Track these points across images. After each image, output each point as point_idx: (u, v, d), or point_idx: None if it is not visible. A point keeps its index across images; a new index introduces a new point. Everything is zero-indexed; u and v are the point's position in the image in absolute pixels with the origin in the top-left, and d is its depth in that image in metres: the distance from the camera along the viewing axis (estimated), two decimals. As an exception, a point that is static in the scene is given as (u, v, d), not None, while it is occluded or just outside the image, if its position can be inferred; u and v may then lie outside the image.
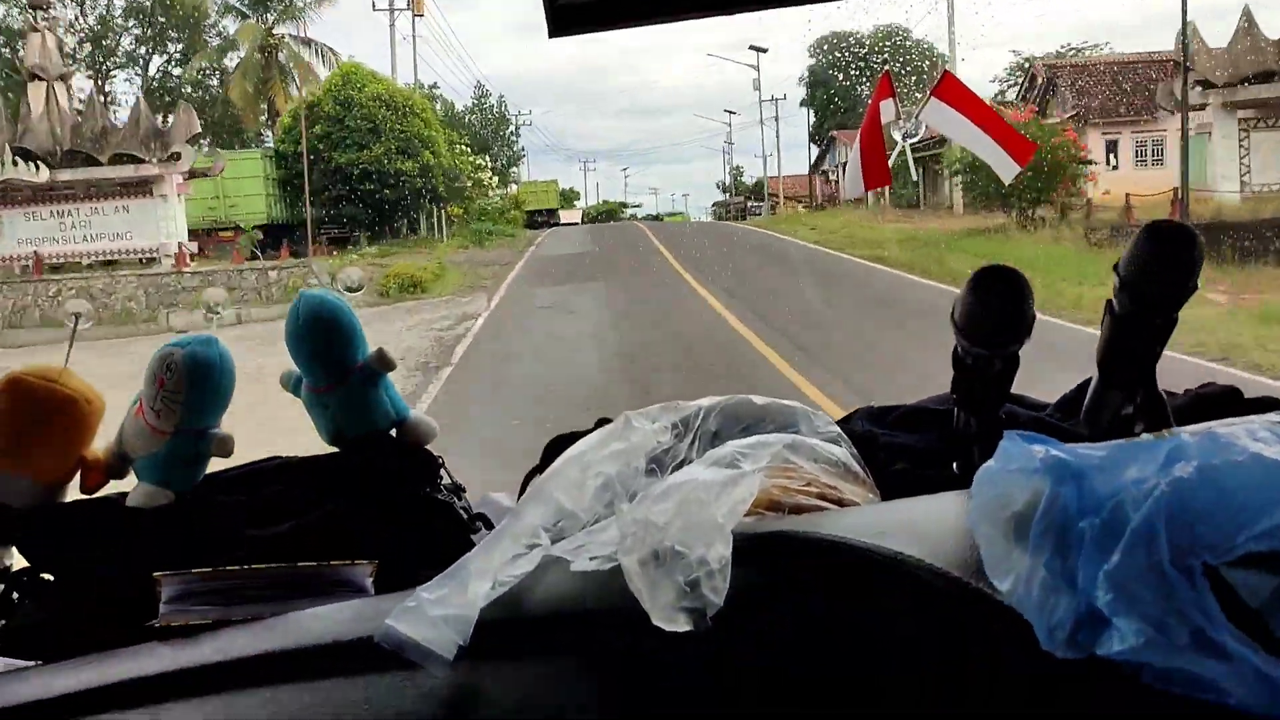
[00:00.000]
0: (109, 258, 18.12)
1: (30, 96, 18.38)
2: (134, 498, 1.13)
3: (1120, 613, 0.54)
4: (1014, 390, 1.03)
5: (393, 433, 1.20)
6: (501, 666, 0.71)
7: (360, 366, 1.17)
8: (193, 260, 18.40)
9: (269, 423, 1.87)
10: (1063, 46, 29.89)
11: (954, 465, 1.04)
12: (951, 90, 2.70)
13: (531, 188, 45.05)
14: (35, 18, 19.52)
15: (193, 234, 20.06)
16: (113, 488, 1.17)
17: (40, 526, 1.11)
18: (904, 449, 1.06)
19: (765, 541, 0.73)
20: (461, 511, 1.15)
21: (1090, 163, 21.05)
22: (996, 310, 0.93)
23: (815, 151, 42.01)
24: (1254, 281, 12.29)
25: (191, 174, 18.74)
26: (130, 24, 33.75)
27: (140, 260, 18.05)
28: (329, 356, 1.16)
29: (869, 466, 0.93)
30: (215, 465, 1.18)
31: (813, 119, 41.21)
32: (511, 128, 45.47)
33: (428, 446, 1.21)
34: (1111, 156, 24.41)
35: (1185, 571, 0.53)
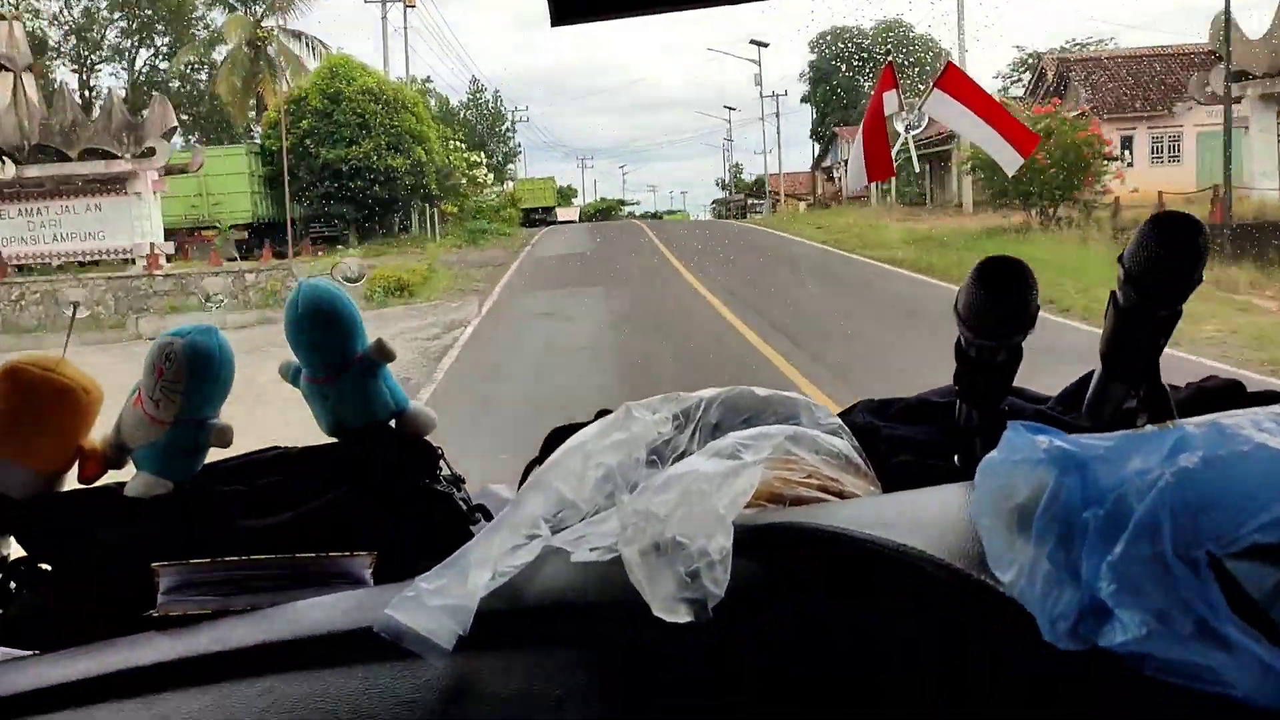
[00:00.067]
0: (81, 258, 17.03)
1: (-5, 88, 17.19)
2: (132, 487, 1.13)
3: (1124, 604, 0.53)
4: (1025, 387, 1.03)
5: (392, 424, 1.20)
6: (501, 657, 0.70)
7: (360, 357, 1.17)
8: (169, 262, 17.46)
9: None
10: (1067, 42, 29.72)
11: (955, 458, 1.04)
12: (954, 81, 2.70)
13: (528, 185, 44.77)
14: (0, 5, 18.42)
15: (173, 233, 19.09)
16: (111, 478, 1.17)
17: (38, 516, 1.11)
18: (906, 441, 1.06)
19: (766, 533, 0.73)
20: (461, 503, 1.15)
21: (1117, 159, 20.30)
22: (1001, 301, 0.93)
23: (817, 148, 41.98)
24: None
25: (168, 170, 17.73)
26: (115, 16, 32.88)
27: (116, 261, 17.10)
28: (328, 347, 1.16)
29: (870, 459, 0.93)
30: (214, 455, 1.18)
31: (814, 115, 41.15)
32: (507, 124, 45.19)
33: (427, 438, 1.21)
34: (1127, 153, 23.70)
35: (1189, 563, 0.53)
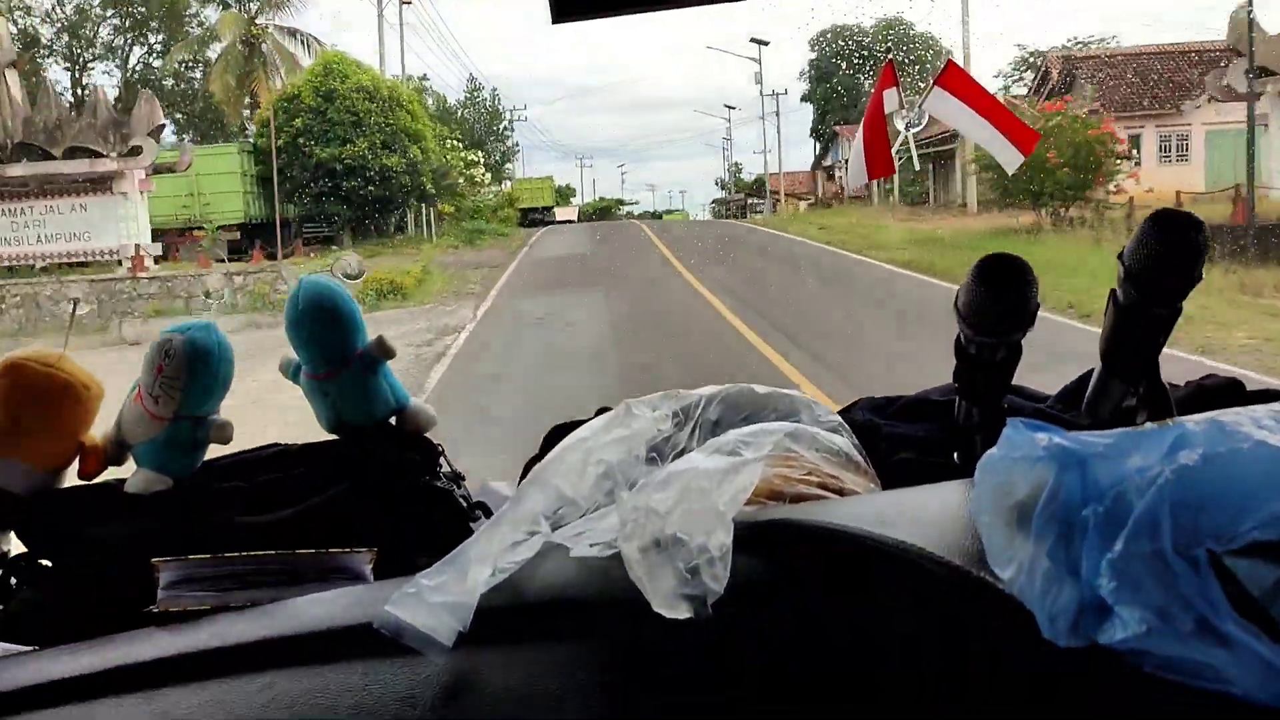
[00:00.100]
0: (66, 260, 16.48)
1: (-24, 85, 16.57)
2: (132, 483, 1.13)
3: (1123, 601, 0.53)
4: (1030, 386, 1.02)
5: (392, 421, 1.20)
6: (501, 653, 0.70)
7: (360, 354, 1.17)
8: (157, 263, 16.85)
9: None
10: (1070, 40, 29.63)
11: (955, 455, 1.04)
12: (955, 79, 2.70)
13: (526, 184, 44.55)
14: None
15: (163, 234, 18.66)
16: (111, 474, 1.17)
17: (39, 512, 1.11)
18: (906, 439, 1.06)
19: (766, 530, 0.73)
20: (461, 500, 1.15)
21: (1129, 158, 19.80)
22: (1001, 298, 0.93)
23: (817, 147, 41.93)
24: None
25: (156, 169, 17.18)
26: (109, 13, 32.44)
27: (102, 263, 16.52)
28: (329, 343, 1.16)
29: (870, 456, 0.93)
30: (214, 452, 1.18)
31: (815, 114, 41.10)
32: (505, 123, 44.91)
33: (427, 434, 1.21)
34: (1134, 152, 23.61)
35: (1189, 560, 0.53)
